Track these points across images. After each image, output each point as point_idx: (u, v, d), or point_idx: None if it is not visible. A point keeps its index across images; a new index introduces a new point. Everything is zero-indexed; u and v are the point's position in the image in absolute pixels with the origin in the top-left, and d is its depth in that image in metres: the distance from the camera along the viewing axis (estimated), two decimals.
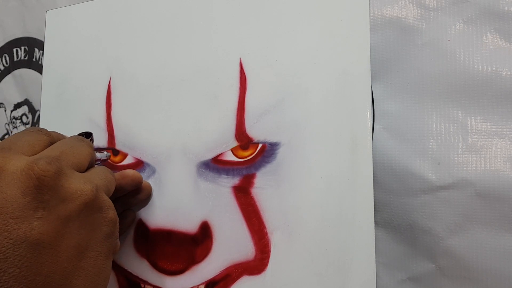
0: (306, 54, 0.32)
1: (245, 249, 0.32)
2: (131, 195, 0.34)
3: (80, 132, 0.32)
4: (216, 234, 0.33)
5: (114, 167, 0.37)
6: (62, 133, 0.31)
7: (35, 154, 0.25)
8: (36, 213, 0.23)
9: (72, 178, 0.25)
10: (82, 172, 0.27)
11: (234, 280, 0.32)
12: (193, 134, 0.34)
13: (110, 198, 0.27)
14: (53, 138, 0.28)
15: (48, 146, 0.27)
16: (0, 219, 0.22)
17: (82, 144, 0.28)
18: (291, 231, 0.31)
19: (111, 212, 0.27)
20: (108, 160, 0.36)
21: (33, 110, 0.65)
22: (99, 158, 0.32)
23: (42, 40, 0.49)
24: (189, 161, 0.34)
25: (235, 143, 0.33)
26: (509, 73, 0.36)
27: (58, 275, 0.23)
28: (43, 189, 0.23)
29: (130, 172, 0.33)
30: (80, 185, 0.25)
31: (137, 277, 0.35)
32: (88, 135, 0.31)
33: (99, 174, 0.28)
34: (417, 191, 0.38)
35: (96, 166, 0.30)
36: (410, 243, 0.39)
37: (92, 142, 0.31)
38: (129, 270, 0.36)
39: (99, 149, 0.37)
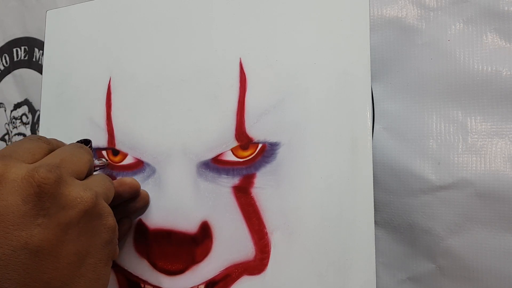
0: (306, 54, 0.32)
1: (245, 249, 0.32)
2: (129, 203, 0.34)
3: (79, 140, 0.32)
4: (216, 234, 0.33)
5: (114, 167, 0.37)
6: (62, 133, 0.31)
7: (36, 162, 0.26)
8: (36, 220, 0.23)
9: (72, 186, 0.25)
10: (81, 179, 0.27)
11: (234, 280, 0.32)
12: (193, 134, 0.34)
13: (108, 205, 0.28)
14: (52, 146, 0.28)
15: (48, 154, 0.27)
16: (1, 226, 0.22)
17: (81, 152, 0.28)
18: (291, 231, 0.31)
19: (111, 219, 0.27)
20: (106, 167, 0.36)
21: (33, 110, 0.65)
22: (97, 164, 0.32)
23: (42, 40, 0.49)
24: (189, 161, 0.34)
25: (235, 143, 0.33)
26: (509, 73, 0.36)
27: (58, 282, 0.23)
28: (43, 197, 0.23)
29: (128, 179, 0.34)
30: (80, 192, 0.25)
31: (137, 277, 0.35)
32: (87, 142, 0.32)
33: (99, 182, 0.28)
34: (417, 191, 0.38)
35: (95, 173, 0.30)
36: (410, 243, 0.39)
37: (91, 149, 0.31)
38: (129, 270, 0.36)
39: (98, 150, 0.37)
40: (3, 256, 0.22)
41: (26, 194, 0.23)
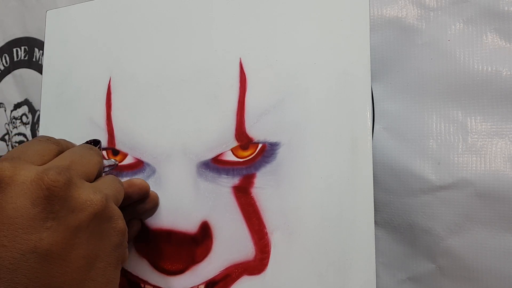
0: (306, 54, 0.32)
1: (245, 249, 0.32)
2: (138, 204, 0.34)
3: (88, 140, 0.32)
4: (216, 234, 0.33)
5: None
6: (62, 133, 0.31)
7: (45, 164, 0.25)
8: (45, 223, 0.23)
9: (82, 188, 0.25)
10: (91, 181, 0.27)
11: (234, 280, 0.32)
12: (193, 134, 0.34)
13: (118, 207, 0.27)
14: (62, 147, 0.28)
15: (57, 155, 0.27)
16: (10, 229, 0.22)
17: (91, 153, 0.28)
18: (291, 231, 0.31)
19: (120, 222, 0.27)
20: (116, 167, 0.36)
21: (33, 110, 0.65)
22: (107, 165, 0.32)
23: (42, 40, 0.49)
24: (189, 161, 0.34)
25: (235, 143, 0.33)
26: (509, 73, 0.36)
27: (67, 286, 0.23)
28: (53, 200, 0.23)
29: (137, 180, 0.34)
30: (90, 195, 0.25)
31: (137, 277, 0.35)
32: (96, 143, 0.31)
33: (108, 184, 0.28)
34: (417, 191, 0.38)
35: (104, 174, 0.30)
36: (410, 243, 0.39)
37: (101, 150, 0.31)
38: (129, 270, 0.36)
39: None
40: (12, 260, 0.22)
41: (35, 197, 0.23)
